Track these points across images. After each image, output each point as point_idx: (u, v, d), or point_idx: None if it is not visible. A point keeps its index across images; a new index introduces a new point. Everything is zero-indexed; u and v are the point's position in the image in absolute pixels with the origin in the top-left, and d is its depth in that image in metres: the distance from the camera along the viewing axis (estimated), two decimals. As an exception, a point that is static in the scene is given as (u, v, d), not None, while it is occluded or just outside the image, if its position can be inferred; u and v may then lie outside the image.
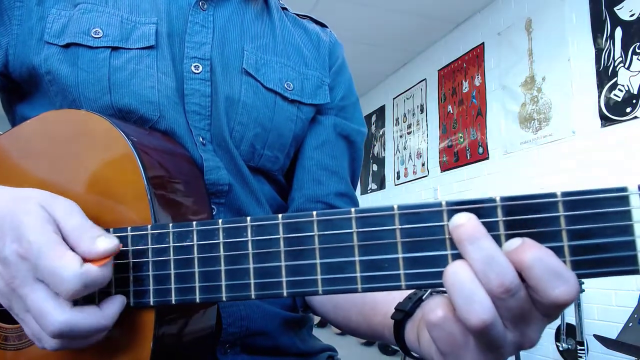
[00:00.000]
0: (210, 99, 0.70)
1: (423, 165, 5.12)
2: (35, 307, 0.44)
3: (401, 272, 0.40)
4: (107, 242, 0.46)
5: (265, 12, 0.83)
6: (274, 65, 0.78)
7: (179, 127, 0.67)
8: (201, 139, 0.69)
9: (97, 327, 0.45)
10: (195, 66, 0.70)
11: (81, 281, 0.43)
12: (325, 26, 0.93)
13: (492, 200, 0.38)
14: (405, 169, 5.46)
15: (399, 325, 0.51)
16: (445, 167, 4.74)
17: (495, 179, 4.07)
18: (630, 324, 2.34)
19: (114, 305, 0.47)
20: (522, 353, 3.38)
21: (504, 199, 0.38)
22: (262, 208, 0.74)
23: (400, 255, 0.40)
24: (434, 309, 0.39)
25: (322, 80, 0.83)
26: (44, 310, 0.44)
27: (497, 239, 0.38)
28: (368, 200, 6.14)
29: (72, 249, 0.46)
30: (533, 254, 0.36)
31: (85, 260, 0.45)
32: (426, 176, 5.05)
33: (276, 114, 0.76)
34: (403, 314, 0.51)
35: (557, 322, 3.18)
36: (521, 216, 0.38)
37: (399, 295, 0.53)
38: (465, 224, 0.37)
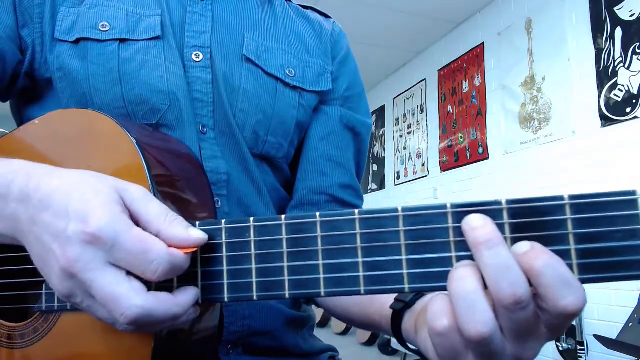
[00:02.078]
0: (212, 86, 0.71)
1: (423, 165, 5.12)
2: (106, 292, 0.41)
3: (405, 273, 0.40)
4: (200, 233, 0.44)
5: (267, 1, 0.84)
6: (276, 51, 0.78)
7: (187, 114, 0.68)
8: (201, 127, 0.69)
9: (171, 314, 0.43)
10: (195, 54, 0.71)
11: (170, 262, 0.41)
12: (329, 17, 0.93)
13: (498, 202, 0.38)
14: (405, 169, 5.46)
15: (397, 316, 0.51)
16: (445, 167, 4.74)
17: (495, 179, 4.07)
18: (630, 324, 2.35)
19: (187, 295, 0.44)
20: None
21: (510, 202, 0.38)
22: (263, 198, 0.74)
23: (404, 257, 0.40)
24: (440, 316, 0.38)
25: (325, 68, 0.82)
26: (117, 294, 0.40)
27: None
28: (368, 200, 6.14)
29: (156, 234, 0.43)
30: (544, 260, 0.35)
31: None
32: (426, 176, 5.05)
33: (277, 100, 0.76)
34: (403, 304, 0.51)
35: (557, 322, 3.18)
36: (527, 219, 0.37)
37: None
38: (481, 228, 0.37)
